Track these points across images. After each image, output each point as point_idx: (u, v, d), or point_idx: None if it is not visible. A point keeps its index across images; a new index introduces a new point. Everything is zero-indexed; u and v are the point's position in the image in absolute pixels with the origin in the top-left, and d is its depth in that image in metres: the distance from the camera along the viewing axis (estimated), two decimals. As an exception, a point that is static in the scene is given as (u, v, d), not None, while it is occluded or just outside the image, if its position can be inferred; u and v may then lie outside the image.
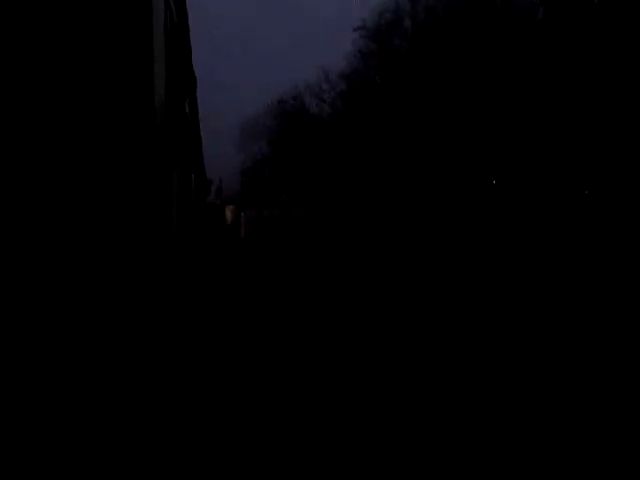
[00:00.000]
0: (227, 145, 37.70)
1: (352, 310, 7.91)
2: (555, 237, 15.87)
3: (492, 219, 19.67)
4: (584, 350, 5.65)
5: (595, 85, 15.97)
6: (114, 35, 7.14)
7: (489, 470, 3.07)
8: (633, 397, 4.21)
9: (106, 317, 6.41)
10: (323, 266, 15.52)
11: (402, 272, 13.45)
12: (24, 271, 6.57)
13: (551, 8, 18.38)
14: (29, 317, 6.05)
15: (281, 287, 10.88)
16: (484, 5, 22.17)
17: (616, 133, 15.40)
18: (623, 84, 15.15)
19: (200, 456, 3.20)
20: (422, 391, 4.36)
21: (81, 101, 7.03)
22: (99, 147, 7.06)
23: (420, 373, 4.87)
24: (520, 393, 4.28)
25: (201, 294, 9.78)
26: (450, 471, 3.06)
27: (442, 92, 22.10)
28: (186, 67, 12.06)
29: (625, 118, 15.11)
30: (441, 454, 3.22)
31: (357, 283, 11.30)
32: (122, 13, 7.15)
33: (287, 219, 33.69)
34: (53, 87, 6.96)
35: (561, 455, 3.22)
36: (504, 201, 19.76)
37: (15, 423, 3.52)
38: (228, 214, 33.06)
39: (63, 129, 6.98)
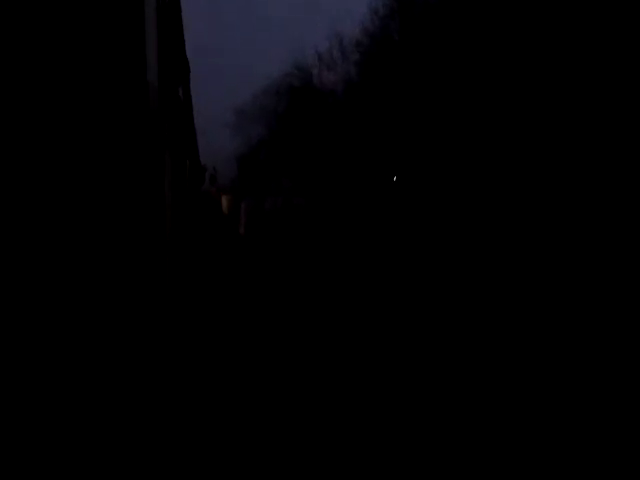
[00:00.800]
0: (222, 131, 37.71)
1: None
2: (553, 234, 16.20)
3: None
4: (584, 350, 6.04)
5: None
6: (105, 16, 7.65)
7: (489, 470, 3.39)
8: (633, 397, 4.65)
9: (94, 310, 6.67)
10: (336, 270, 15.35)
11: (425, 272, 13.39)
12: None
13: None
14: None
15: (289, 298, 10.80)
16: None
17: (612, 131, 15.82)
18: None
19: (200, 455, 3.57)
20: (421, 390, 4.83)
21: (71, 82, 7.49)
22: (90, 129, 7.53)
23: (420, 371, 5.37)
24: (520, 392, 4.70)
25: (200, 295, 9.95)
26: (450, 471, 3.37)
27: (481, 47, 20.40)
28: (179, 51, 12.65)
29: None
30: (440, 454, 3.55)
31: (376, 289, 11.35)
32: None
33: (292, 210, 32.27)
34: (41, 70, 7.47)
35: (561, 454, 3.57)
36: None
37: (15, 423, 3.77)
38: (225, 204, 33.08)
39: (51, 110, 7.49)
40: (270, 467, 3.46)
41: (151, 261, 8.45)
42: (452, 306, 8.85)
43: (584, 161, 16.48)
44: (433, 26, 23.32)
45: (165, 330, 7.08)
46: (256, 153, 35.86)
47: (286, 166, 34.31)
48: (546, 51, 18.53)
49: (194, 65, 15.47)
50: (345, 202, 28.33)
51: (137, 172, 7.96)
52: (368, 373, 5.41)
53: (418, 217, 22.75)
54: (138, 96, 7.98)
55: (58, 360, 4.96)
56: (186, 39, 13.99)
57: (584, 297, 9.69)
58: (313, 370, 5.44)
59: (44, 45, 7.51)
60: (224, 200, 32.87)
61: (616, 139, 15.75)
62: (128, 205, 7.73)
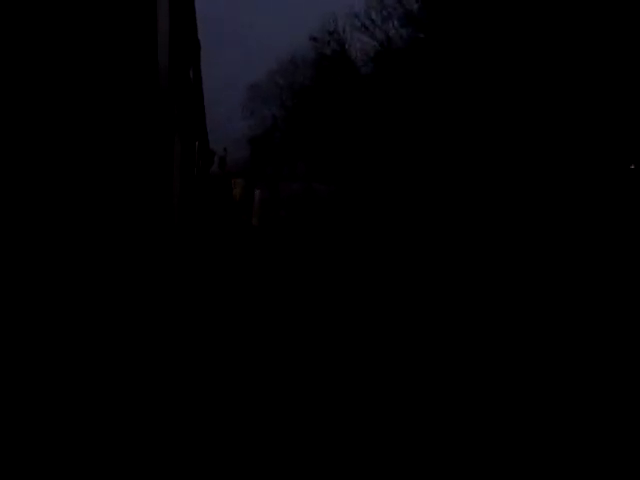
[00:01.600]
0: (234, 109, 37.15)
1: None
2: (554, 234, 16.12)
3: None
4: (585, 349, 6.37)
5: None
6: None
7: (489, 470, 3.56)
8: (633, 397, 4.88)
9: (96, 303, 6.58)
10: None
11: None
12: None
13: None
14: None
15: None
16: None
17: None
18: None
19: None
20: (420, 387, 5.01)
21: (82, 59, 7.78)
22: (100, 112, 7.93)
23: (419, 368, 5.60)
24: (520, 391, 4.91)
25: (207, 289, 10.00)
26: (449, 471, 3.53)
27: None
28: (190, 32, 13.13)
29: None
30: (440, 453, 3.71)
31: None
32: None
33: (313, 198, 27.88)
34: (51, 51, 7.91)
35: (561, 455, 3.75)
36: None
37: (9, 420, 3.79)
38: (236, 189, 31.02)
39: (61, 91, 7.91)
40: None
41: (157, 247, 8.93)
42: (458, 299, 9.28)
43: (582, 161, 16.69)
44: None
45: (165, 327, 7.45)
46: (270, 134, 35.08)
47: (303, 149, 33.13)
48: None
49: (205, 37, 15.49)
50: (382, 191, 24.77)
51: (147, 154, 8.50)
52: (368, 366, 5.72)
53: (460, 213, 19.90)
54: (148, 79, 8.48)
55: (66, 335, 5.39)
56: (198, 8, 13.88)
57: (582, 292, 9.97)
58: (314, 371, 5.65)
59: (54, 27, 7.92)
60: (235, 185, 30.99)
61: (614, 138, 16.03)
62: (136, 189, 8.21)
